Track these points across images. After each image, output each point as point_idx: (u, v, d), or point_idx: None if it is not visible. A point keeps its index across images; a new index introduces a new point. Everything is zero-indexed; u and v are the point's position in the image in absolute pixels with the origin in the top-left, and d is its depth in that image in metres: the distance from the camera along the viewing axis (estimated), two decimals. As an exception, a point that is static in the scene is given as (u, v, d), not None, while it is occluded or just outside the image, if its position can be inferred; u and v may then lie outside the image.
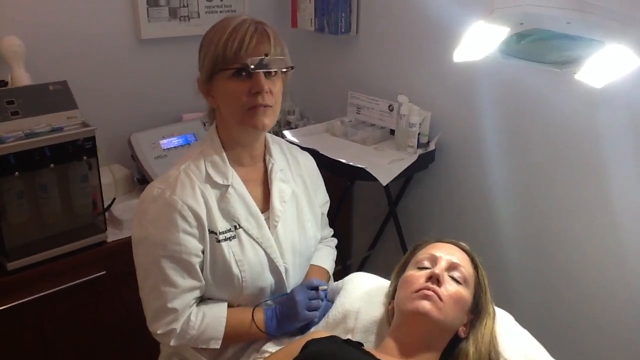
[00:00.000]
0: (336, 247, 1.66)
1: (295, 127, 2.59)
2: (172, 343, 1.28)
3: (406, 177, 2.34)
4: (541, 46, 1.15)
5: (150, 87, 2.34)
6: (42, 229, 1.78)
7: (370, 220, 2.63)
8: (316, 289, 1.38)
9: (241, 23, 1.25)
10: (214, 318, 1.31)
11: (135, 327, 1.38)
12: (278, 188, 1.39)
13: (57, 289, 1.76)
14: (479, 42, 1.19)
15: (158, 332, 1.28)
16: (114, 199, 1.95)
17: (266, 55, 1.23)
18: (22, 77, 1.88)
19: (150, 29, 2.27)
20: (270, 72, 1.26)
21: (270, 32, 1.27)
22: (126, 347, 1.95)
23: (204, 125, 2.26)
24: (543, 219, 1.99)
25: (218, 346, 1.31)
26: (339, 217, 2.25)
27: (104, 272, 1.85)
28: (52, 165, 1.70)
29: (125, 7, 2.21)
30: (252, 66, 1.22)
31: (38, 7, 2.00)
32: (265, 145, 1.42)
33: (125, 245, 1.32)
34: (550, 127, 1.90)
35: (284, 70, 1.29)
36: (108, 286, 1.87)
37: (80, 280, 1.81)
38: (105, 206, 1.90)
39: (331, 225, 1.68)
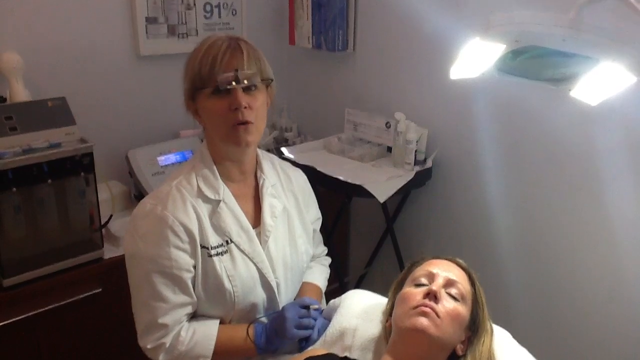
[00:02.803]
0: (333, 264, 1.66)
1: (293, 144, 2.60)
2: (160, 358, 1.27)
3: (403, 194, 2.34)
4: (537, 63, 1.17)
5: (148, 104, 2.35)
6: (39, 245, 1.77)
7: (368, 237, 2.62)
8: (308, 307, 1.37)
9: (215, 41, 1.26)
10: (204, 335, 1.29)
11: (131, 345, 1.36)
12: (269, 203, 1.39)
13: (53, 306, 1.75)
14: (475, 59, 1.20)
15: (147, 346, 1.27)
16: (111, 215, 1.95)
17: (236, 70, 1.23)
18: (20, 93, 1.89)
19: (149, 46, 2.28)
20: (250, 87, 1.25)
21: (244, 46, 1.26)
22: (121, 364, 1.94)
23: (202, 141, 2.26)
24: (540, 235, 1.99)
25: None
26: (336, 234, 2.25)
27: (100, 289, 1.84)
28: (49, 180, 1.70)
29: (124, 24, 2.22)
30: (220, 81, 1.22)
31: (37, 23, 2.01)
32: (256, 161, 1.42)
33: (122, 263, 1.31)
34: (546, 144, 1.91)
35: (257, 84, 1.27)
36: (104, 304, 1.86)
37: (77, 297, 1.80)
38: (103, 222, 1.90)
39: (328, 241, 1.67)
